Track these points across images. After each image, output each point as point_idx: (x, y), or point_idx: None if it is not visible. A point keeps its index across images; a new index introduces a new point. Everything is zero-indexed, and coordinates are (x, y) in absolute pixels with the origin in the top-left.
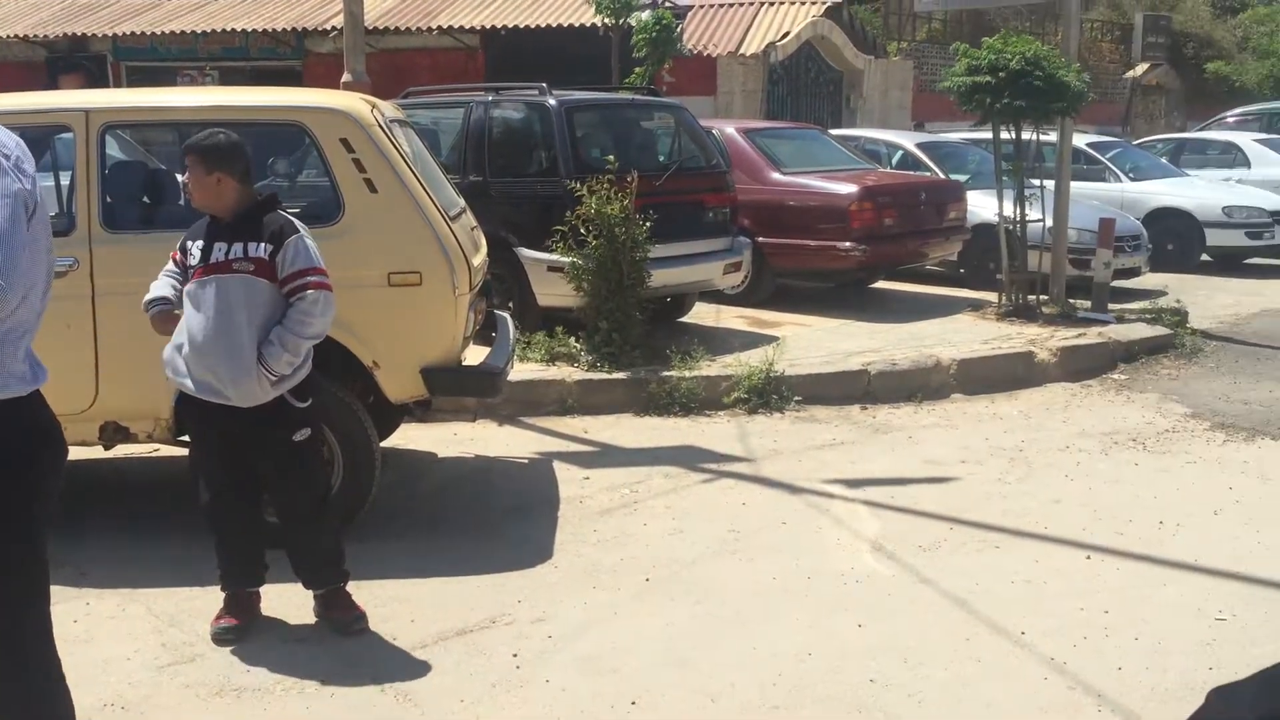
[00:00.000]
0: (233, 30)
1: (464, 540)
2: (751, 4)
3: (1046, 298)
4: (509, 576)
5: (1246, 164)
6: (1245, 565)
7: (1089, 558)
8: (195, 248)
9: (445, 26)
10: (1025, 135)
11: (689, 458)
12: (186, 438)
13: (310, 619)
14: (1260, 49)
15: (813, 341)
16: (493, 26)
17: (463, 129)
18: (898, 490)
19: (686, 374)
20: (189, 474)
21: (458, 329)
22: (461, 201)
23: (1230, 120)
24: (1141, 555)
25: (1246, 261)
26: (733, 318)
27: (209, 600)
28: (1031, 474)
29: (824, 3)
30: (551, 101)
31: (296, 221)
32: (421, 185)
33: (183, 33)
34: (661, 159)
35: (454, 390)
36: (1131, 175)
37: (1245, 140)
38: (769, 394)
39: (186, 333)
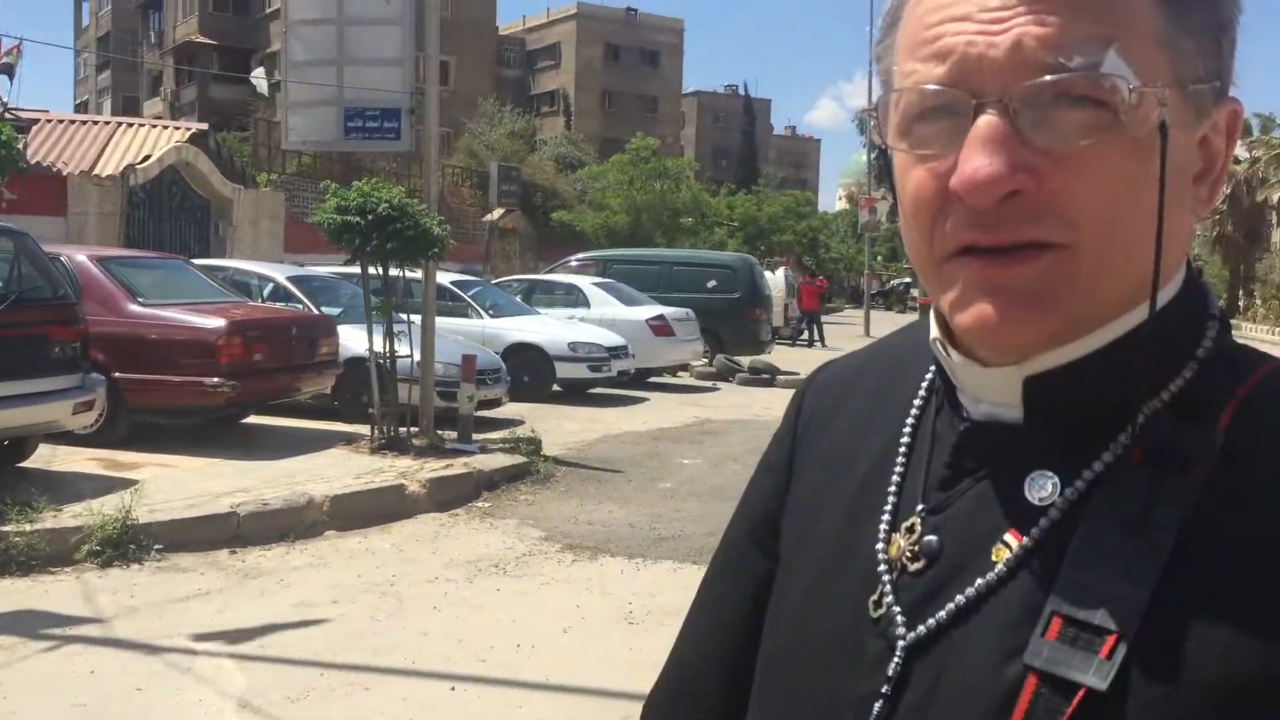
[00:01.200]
0: None
1: None
2: (108, 123)
3: (417, 430)
4: None
5: (587, 304)
6: (591, 678)
7: (453, 689)
8: None
9: None
10: (394, 273)
11: (27, 624)
12: None
13: None
14: (595, 201)
15: (177, 483)
16: None
17: None
18: (268, 638)
19: (26, 527)
20: None
21: None
22: None
23: (573, 264)
24: (501, 680)
25: (590, 391)
26: (84, 460)
27: None
28: (402, 608)
29: (189, 128)
30: None
31: None
32: None
33: None
34: None
35: None
36: (491, 312)
37: (585, 283)
38: (125, 544)
39: None
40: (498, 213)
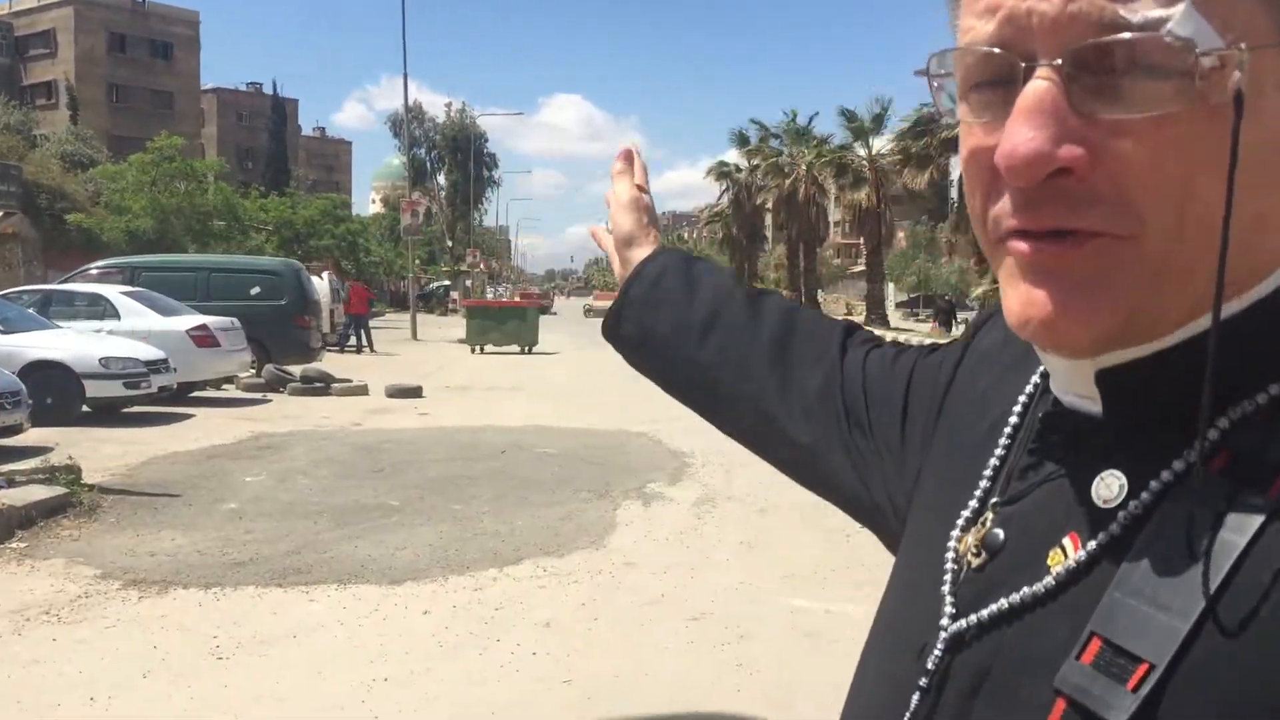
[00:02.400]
0: None
1: None
2: None
3: None
4: None
5: (117, 315)
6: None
7: None
8: None
9: None
10: None
11: None
12: None
13: None
14: (114, 204)
15: None
16: None
17: None
18: None
19: None
20: None
21: None
22: None
23: (94, 273)
24: None
25: (127, 410)
26: None
27: None
28: None
29: None
30: None
31: None
32: None
33: None
34: None
35: None
36: (1, 328)
37: (112, 292)
38: None
39: None
40: None
